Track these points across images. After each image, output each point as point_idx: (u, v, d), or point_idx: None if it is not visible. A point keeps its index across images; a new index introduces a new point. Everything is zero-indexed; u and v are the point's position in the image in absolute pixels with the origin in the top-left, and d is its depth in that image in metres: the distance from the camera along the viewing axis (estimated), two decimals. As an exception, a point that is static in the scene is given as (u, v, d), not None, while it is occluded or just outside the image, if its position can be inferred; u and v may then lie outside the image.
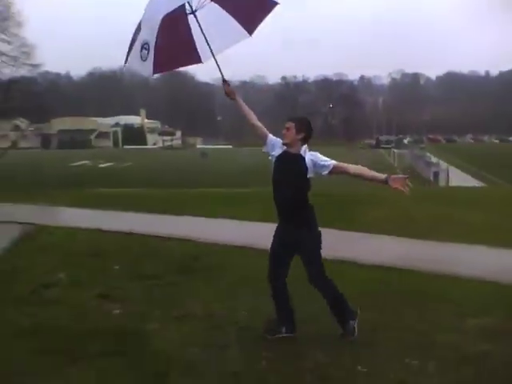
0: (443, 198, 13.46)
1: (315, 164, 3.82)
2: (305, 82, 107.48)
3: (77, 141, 79.20)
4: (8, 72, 26.27)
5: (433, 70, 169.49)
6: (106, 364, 3.61)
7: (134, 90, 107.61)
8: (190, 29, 4.06)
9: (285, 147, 3.91)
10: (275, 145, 4.00)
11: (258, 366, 3.57)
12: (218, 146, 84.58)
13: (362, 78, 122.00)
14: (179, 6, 3.99)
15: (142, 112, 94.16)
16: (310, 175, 3.84)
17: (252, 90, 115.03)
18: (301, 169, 3.82)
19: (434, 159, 33.20)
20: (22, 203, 13.38)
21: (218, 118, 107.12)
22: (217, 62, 4.13)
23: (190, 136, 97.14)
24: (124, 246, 7.68)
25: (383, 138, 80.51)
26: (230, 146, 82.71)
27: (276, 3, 4.08)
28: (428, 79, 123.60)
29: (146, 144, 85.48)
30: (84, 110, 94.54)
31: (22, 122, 31.25)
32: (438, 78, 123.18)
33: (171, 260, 6.75)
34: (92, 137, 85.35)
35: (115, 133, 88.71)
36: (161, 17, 3.93)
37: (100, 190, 21.27)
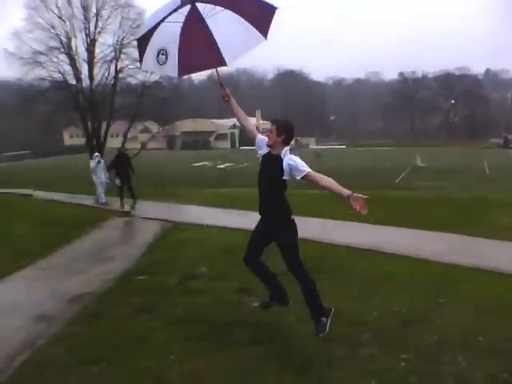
0: None
1: (291, 168, 4.00)
2: (424, 77, 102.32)
3: (198, 142, 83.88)
4: (141, 77, 28.67)
5: None
6: (252, 352, 3.97)
7: (251, 92, 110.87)
8: (211, 34, 4.29)
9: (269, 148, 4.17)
10: (262, 145, 4.26)
11: (398, 367, 3.69)
12: (332, 146, 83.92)
13: (487, 71, 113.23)
14: (192, 13, 4.30)
15: (258, 113, 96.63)
16: (285, 177, 4.05)
17: (366, 86, 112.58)
18: (277, 170, 4.05)
19: None
20: (157, 201, 14.70)
21: (331, 118, 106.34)
22: (217, 70, 4.54)
23: (303, 136, 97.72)
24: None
25: (512, 137, 73.87)
26: (344, 146, 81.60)
27: (275, 8, 4.34)
28: None
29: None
30: (205, 112, 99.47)
31: (151, 125, 33.81)
32: None
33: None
34: (211, 138, 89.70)
35: (232, 134, 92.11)
36: (180, 26, 4.32)
37: (220, 190, 22.42)
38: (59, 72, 27.35)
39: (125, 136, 29.24)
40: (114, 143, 32.52)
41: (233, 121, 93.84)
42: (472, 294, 5.33)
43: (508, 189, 22.64)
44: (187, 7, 4.35)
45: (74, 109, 27.72)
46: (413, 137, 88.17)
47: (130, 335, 4.34)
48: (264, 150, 4.24)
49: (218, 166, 50.25)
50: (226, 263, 6.88)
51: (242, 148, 70.17)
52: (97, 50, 27.86)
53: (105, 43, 28.04)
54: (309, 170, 4.02)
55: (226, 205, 12.85)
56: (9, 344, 4.28)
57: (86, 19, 27.16)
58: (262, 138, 4.32)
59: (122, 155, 15.24)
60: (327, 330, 4.13)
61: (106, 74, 28.12)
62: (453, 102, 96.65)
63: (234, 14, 4.29)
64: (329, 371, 3.66)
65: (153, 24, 4.52)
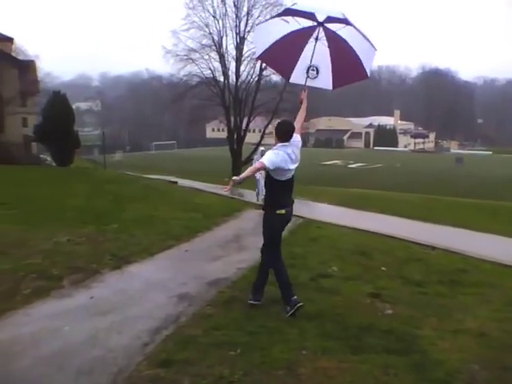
0: None
1: None
2: None
3: (331, 140, 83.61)
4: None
5: None
6: (386, 360, 3.84)
7: (391, 91, 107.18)
8: (354, 51, 4.91)
9: None
10: None
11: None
12: (476, 152, 77.80)
13: None
14: (328, 33, 4.94)
15: (396, 113, 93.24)
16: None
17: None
18: None
19: None
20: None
21: (479, 121, 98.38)
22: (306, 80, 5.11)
23: (445, 139, 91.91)
24: (387, 248, 7.92)
25: None
26: (490, 152, 75.10)
27: (364, 77, 5.08)
28: None
29: (396, 146, 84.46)
30: (342, 110, 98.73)
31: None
32: None
33: (437, 269, 6.68)
34: (345, 137, 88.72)
35: (367, 134, 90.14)
36: (325, 45, 4.99)
37: (350, 190, 22.10)
38: (209, 69, 29.18)
39: (263, 131, 30.20)
40: (252, 138, 33.82)
41: (369, 120, 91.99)
42: None
43: None
44: (320, 28, 4.99)
45: (219, 104, 29.36)
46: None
47: (263, 324, 4.47)
48: None
49: (350, 166, 49.58)
50: (358, 265, 6.78)
51: (376, 148, 68.44)
52: (245, 48, 29.18)
53: (253, 42, 29.20)
54: (257, 163, 4.75)
55: (356, 205, 12.65)
56: (156, 318, 4.67)
57: (238, 18, 28.56)
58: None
59: None
60: (288, 315, 4.67)
61: (251, 72, 29.31)
62: None
63: (356, 31, 4.87)
64: (470, 393, 3.42)
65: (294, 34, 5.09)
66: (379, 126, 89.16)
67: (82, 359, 3.81)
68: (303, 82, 5.14)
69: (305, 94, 5.15)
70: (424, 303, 5.31)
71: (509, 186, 33.36)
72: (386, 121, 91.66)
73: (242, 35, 28.78)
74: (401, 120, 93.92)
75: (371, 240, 8.73)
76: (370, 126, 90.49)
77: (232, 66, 29.32)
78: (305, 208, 13.19)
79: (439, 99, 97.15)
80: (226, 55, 29.06)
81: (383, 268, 6.66)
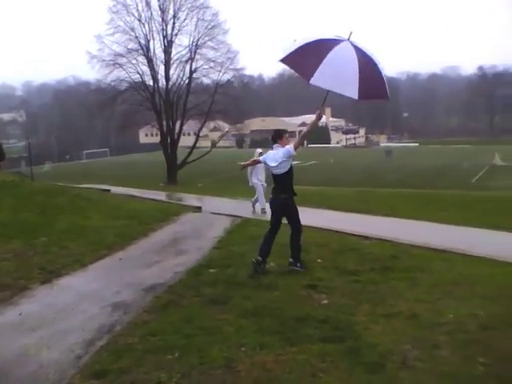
0: None
1: None
2: (505, 71, 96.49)
3: (266, 140, 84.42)
4: (214, 77, 29.39)
5: None
6: (322, 349, 3.92)
7: (320, 89, 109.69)
8: (380, 70, 5.23)
9: None
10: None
11: (476, 371, 3.51)
12: (404, 144, 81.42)
13: None
14: (356, 49, 5.15)
15: (327, 110, 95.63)
16: None
17: (444, 82, 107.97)
18: None
19: None
20: (226, 197, 14.98)
21: (405, 115, 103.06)
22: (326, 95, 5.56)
23: (374, 133, 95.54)
24: (323, 241, 8.07)
25: None
26: (417, 144, 78.89)
27: (387, 98, 5.30)
28: None
29: (329, 142, 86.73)
30: (274, 110, 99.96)
31: (222, 124, 34.55)
32: None
33: (370, 258, 6.89)
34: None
35: (300, 132, 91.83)
36: (353, 54, 5.07)
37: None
38: (137, 73, 28.64)
39: (197, 134, 30.06)
40: (186, 142, 33.55)
41: (302, 119, 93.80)
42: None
43: None
44: (346, 41, 5.21)
45: (150, 108, 28.88)
46: (492, 134, 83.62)
47: (202, 326, 4.43)
48: None
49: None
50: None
51: (310, 146, 69.79)
52: (173, 51, 28.94)
53: (181, 44, 29.06)
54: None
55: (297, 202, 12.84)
56: (89, 329, 4.51)
57: (164, 21, 28.25)
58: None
59: None
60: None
61: (181, 75, 29.09)
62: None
63: (356, 66, 5.04)
64: (402, 372, 3.55)
65: (317, 43, 5.29)
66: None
67: (13, 378, 3.63)
68: (324, 86, 5.21)
69: (320, 113, 5.73)
70: (358, 291, 5.46)
71: (435, 175, 35.22)
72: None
73: (169, 38, 28.51)
74: (332, 117, 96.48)
75: (308, 234, 8.80)
76: (303, 124, 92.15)
77: (161, 69, 29.01)
78: (244, 208, 13.24)
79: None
80: (154, 59, 28.70)
81: (319, 260, 6.78)
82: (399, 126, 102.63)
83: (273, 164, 6.03)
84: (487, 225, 9.43)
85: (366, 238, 8.23)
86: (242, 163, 6.92)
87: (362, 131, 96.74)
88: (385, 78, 5.20)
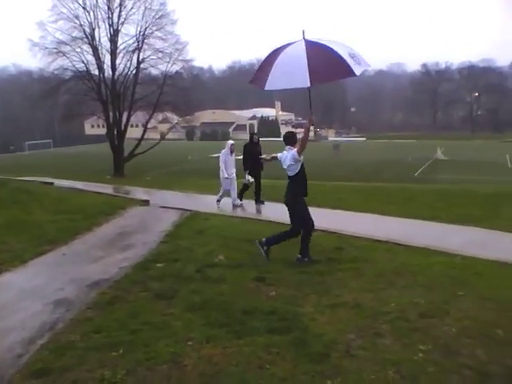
0: None
1: None
2: (447, 69, 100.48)
3: (217, 133, 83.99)
4: (162, 68, 28.80)
5: None
6: (269, 340, 3.96)
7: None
8: (332, 49, 5.33)
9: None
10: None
11: (416, 358, 3.65)
12: (351, 139, 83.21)
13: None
14: (306, 42, 5.48)
15: (277, 104, 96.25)
16: None
17: (390, 78, 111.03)
18: None
19: None
20: (176, 190, 14.80)
21: (352, 110, 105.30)
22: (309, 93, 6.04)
23: (323, 128, 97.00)
24: (272, 233, 8.12)
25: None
26: (364, 139, 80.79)
27: (354, 75, 5.31)
28: None
29: (279, 136, 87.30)
30: (225, 103, 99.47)
31: (171, 116, 33.98)
32: None
33: (317, 250, 7.00)
34: (230, 129, 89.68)
35: (251, 125, 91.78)
36: (303, 48, 5.35)
37: (239, 180, 22.42)
38: (82, 62, 27.63)
39: (145, 126, 29.45)
40: (134, 133, 32.81)
41: (252, 112, 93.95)
42: (491, 286, 5.24)
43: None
44: (300, 40, 5.47)
45: (95, 99, 27.98)
46: (435, 129, 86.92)
47: (148, 321, 4.37)
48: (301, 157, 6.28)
49: (236, 157, 50.46)
50: (244, 252, 6.89)
51: (261, 139, 70.34)
52: (120, 41, 28.09)
53: (128, 34, 28.25)
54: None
55: (246, 194, 12.87)
56: (29, 327, 4.35)
57: (110, 9, 27.36)
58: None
59: (254, 143, 12.38)
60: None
61: (128, 65, 28.32)
62: (476, 94, 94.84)
63: (304, 57, 5.27)
64: (346, 360, 3.64)
65: (272, 53, 5.67)
66: (262, 117, 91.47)
67: None
68: (277, 87, 5.53)
69: (310, 117, 6.05)
70: (305, 282, 5.55)
71: (381, 168, 36.23)
72: (268, 112, 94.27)
73: (115, 27, 27.65)
74: (282, 111, 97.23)
75: (258, 227, 8.91)
76: (254, 117, 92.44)
77: (107, 59, 28.09)
78: (193, 201, 13.15)
79: (315, 90, 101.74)
80: (99, 48, 27.73)
81: (267, 253, 6.82)
82: (347, 120, 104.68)
83: (284, 166, 6.39)
84: (428, 216, 9.78)
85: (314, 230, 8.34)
86: (265, 156, 7.25)
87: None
88: (346, 58, 5.26)
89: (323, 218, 10.21)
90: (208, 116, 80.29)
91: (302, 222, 6.50)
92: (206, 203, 12.53)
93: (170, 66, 28.42)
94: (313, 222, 6.53)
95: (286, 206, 6.56)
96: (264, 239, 6.62)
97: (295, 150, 6.23)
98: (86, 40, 27.34)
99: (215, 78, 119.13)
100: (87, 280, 5.64)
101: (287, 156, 6.30)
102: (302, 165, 6.34)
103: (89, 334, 4.11)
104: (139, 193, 14.19)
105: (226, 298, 5.01)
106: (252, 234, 8.00)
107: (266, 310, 4.62)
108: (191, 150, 54.41)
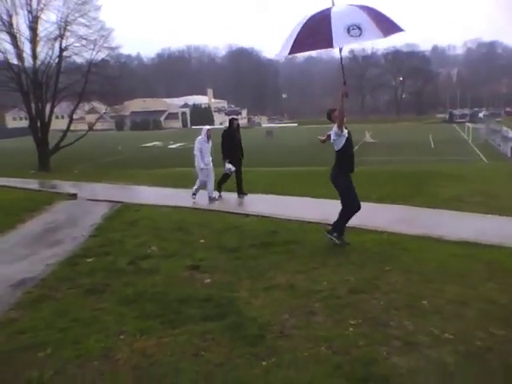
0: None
1: None
2: (373, 54, 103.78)
3: (148, 122, 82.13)
4: (87, 56, 27.55)
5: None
6: (204, 327, 3.94)
7: (202, 70, 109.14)
8: (329, 19, 5.02)
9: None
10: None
11: (347, 332, 3.77)
12: (284, 125, 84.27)
13: (434, 48, 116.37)
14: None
15: (209, 91, 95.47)
16: None
17: (319, 64, 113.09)
18: None
19: (511, 134, 31.23)
20: (105, 183, 14.32)
21: (284, 96, 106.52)
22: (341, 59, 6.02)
23: (256, 115, 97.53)
24: (205, 221, 8.09)
25: (457, 112, 76.47)
26: (296, 124, 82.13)
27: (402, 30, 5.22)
28: (506, 48, 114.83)
29: (213, 123, 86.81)
30: (155, 91, 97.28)
31: (99, 106, 32.69)
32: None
33: (250, 235, 7.05)
34: (162, 118, 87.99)
35: (183, 113, 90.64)
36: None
37: (171, 170, 22.12)
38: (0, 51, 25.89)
39: (70, 117, 28.19)
40: (59, 125, 31.35)
41: (183, 100, 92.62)
42: (417, 260, 5.51)
43: (450, 161, 23.57)
44: (332, 7, 5.25)
45: (16, 89, 26.36)
46: (363, 113, 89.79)
47: (77, 318, 4.21)
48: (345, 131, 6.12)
49: (170, 146, 49.51)
50: (178, 241, 6.80)
51: (194, 127, 69.25)
52: (40, 28, 26.50)
53: (48, 20, 26.72)
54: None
55: (179, 183, 12.70)
56: None
57: (28, -5, 25.70)
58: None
59: (234, 129, 11.38)
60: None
61: (50, 53, 26.83)
62: (401, 78, 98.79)
63: (361, 11, 5.03)
64: (280, 340, 3.69)
65: (311, 17, 5.29)
66: (194, 105, 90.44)
67: None
68: (349, 42, 5.12)
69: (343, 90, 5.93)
70: (239, 267, 5.56)
71: (313, 153, 36.97)
72: (201, 100, 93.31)
73: (34, 14, 26.07)
74: (214, 98, 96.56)
75: (191, 216, 8.82)
76: (186, 105, 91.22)
77: (27, 47, 26.48)
78: (124, 192, 12.78)
79: (247, 77, 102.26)
80: (18, 35, 26.07)
81: (202, 240, 6.79)
82: (279, 107, 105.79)
83: (331, 141, 6.33)
84: (359, 197, 10.09)
85: (247, 215, 8.39)
86: (320, 137, 6.81)
87: (244, 112, 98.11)
88: (388, 16, 5.24)
89: (257, 203, 10.32)
90: (138, 105, 78.25)
91: (353, 198, 6.31)
92: (138, 194, 12.24)
93: (95, 53, 27.24)
94: (359, 203, 6.32)
95: (332, 183, 6.42)
96: (330, 227, 6.46)
97: (334, 126, 6.20)
98: (3, 28, 25.59)
99: (144, 65, 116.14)
100: (11, 280, 5.35)
101: (332, 131, 6.23)
102: (347, 140, 6.19)
103: (13, 336, 3.91)
104: (66, 186, 13.58)
105: (160, 288, 4.93)
106: (184, 223, 7.94)
107: (201, 298, 4.59)
108: (121, 140, 52.87)
